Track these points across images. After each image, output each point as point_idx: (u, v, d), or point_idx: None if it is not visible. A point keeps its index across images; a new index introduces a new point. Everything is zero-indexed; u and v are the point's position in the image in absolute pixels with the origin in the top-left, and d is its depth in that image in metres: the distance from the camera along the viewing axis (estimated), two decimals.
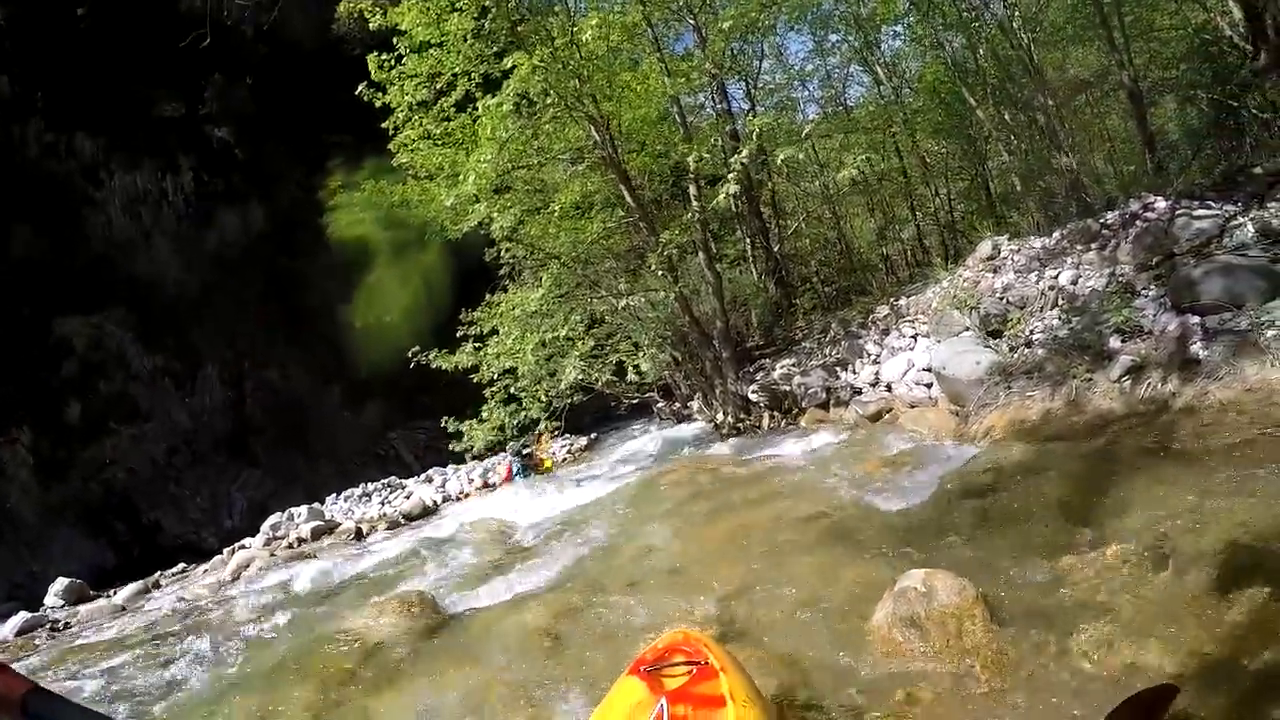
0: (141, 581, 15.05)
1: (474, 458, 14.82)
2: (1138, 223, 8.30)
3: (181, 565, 16.77)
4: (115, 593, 14.92)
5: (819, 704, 3.59)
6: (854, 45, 19.56)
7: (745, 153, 10.93)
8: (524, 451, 14.95)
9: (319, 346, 23.28)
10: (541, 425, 13.28)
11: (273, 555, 13.59)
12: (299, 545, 14.55)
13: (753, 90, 19.52)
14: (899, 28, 19.26)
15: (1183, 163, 12.75)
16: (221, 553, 16.21)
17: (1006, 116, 15.62)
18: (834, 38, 19.55)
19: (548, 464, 15.55)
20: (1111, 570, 4.01)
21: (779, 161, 13.23)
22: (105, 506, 19.55)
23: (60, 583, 15.58)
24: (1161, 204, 8.33)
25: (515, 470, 15.08)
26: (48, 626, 12.50)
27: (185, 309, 21.75)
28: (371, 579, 9.12)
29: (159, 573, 16.27)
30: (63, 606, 14.83)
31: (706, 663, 3.02)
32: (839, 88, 21.77)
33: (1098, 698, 3.08)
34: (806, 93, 21.41)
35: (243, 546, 15.90)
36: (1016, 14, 14.25)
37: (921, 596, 3.81)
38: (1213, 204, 7.83)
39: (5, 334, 18.37)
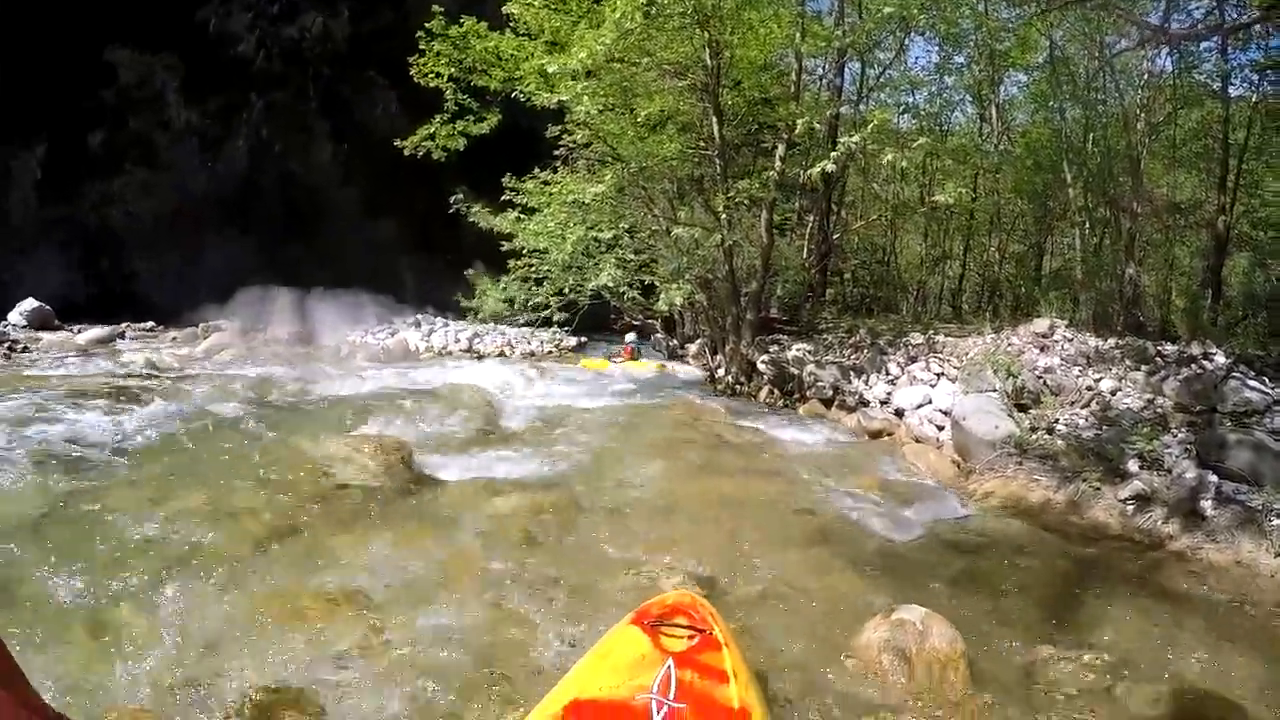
0: (109, 328, 15.07)
1: (479, 320, 14.84)
2: (1193, 366, 8.43)
3: (151, 324, 16.75)
4: (80, 330, 14.89)
5: (790, 699, 3.70)
6: (975, 74, 19.32)
7: (859, 137, 10.88)
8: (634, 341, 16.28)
9: (355, 150, 22.80)
10: (631, 336, 13.65)
11: (248, 348, 13.58)
12: (274, 345, 14.55)
13: (866, 77, 19.23)
14: (1023, 76, 19.14)
15: (1231, 319, 12.79)
16: (197, 326, 16.19)
17: (1091, 205, 15.61)
18: (959, 59, 19.32)
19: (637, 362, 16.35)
20: (1082, 676, 4.17)
21: (884, 159, 13.07)
22: (94, 241, 19.32)
23: (28, 303, 15.50)
24: (1221, 359, 8.44)
25: (634, 348, 16.20)
26: (5, 344, 12.44)
27: (236, 76, 21.23)
28: (349, 407, 9.16)
29: (127, 324, 16.24)
30: (25, 328, 14.78)
31: (711, 632, 2.98)
32: (944, 109, 21.53)
33: None
34: (912, 99, 21.16)
35: (219, 328, 15.85)
36: (1142, 115, 14.09)
37: (917, 633, 3.95)
38: (1268, 381, 7.94)
39: (55, 50, 17.86)
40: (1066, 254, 18.76)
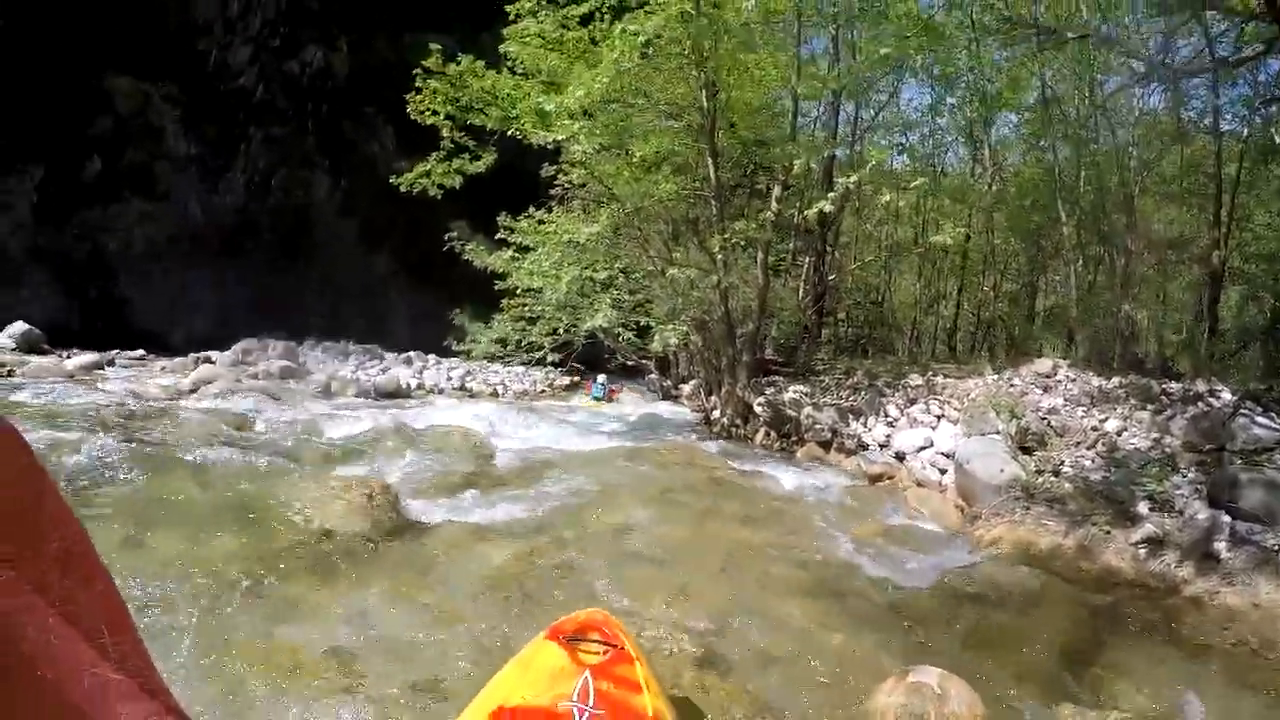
0: (98, 355, 14.91)
1: (468, 357, 14.71)
2: (1199, 404, 8.29)
3: (142, 352, 16.60)
4: (70, 355, 14.72)
5: None
6: (968, 115, 19.40)
7: (856, 177, 10.84)
8: (603, 382, 16.87)
9: (353, 185, 22.78)
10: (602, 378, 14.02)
11: (238, 381, 13.39)
12: (263, 379, 14.36)
13: (860, 119, 19.30)
14: (1015, 117, 19.24)
15: (1225, 353, 12.67)
16: (186, 356, 16.02)
17: (1085, 243, 15.60)
18: (951, 101, 19.41)
19: (616, 395, 17.04)
20: None
21: (881, 200, 13.03)
22: (88, 268, 19.20)
23: (17, 326, 15.34)
24: (1227, 395, 8.32)
25: (594, 387, 16.84)
26: None
27: (236, 108, 21.27)
28: (335, 447, 8.95)
29: (117, 351, 16.10)
30: (13, 350, 14.60)
31: (623, 647, 3.09)
32: (937, 150, 21.66)
33: None
34: (904, 141, 21.27)
35: (209, 360, 15.70)
36: (1134, 152, 14.09)
37: (936, 698, 3.72)
38: (1276, 417, 7.81)
39: (54, 76, 17.89)
40: (1059, 292, 18.79)
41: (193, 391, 12.28)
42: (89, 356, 14.50)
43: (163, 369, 15.06)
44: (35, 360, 13.66)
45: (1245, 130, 13.74)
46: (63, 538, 0.85)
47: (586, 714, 2.62)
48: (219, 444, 8.12)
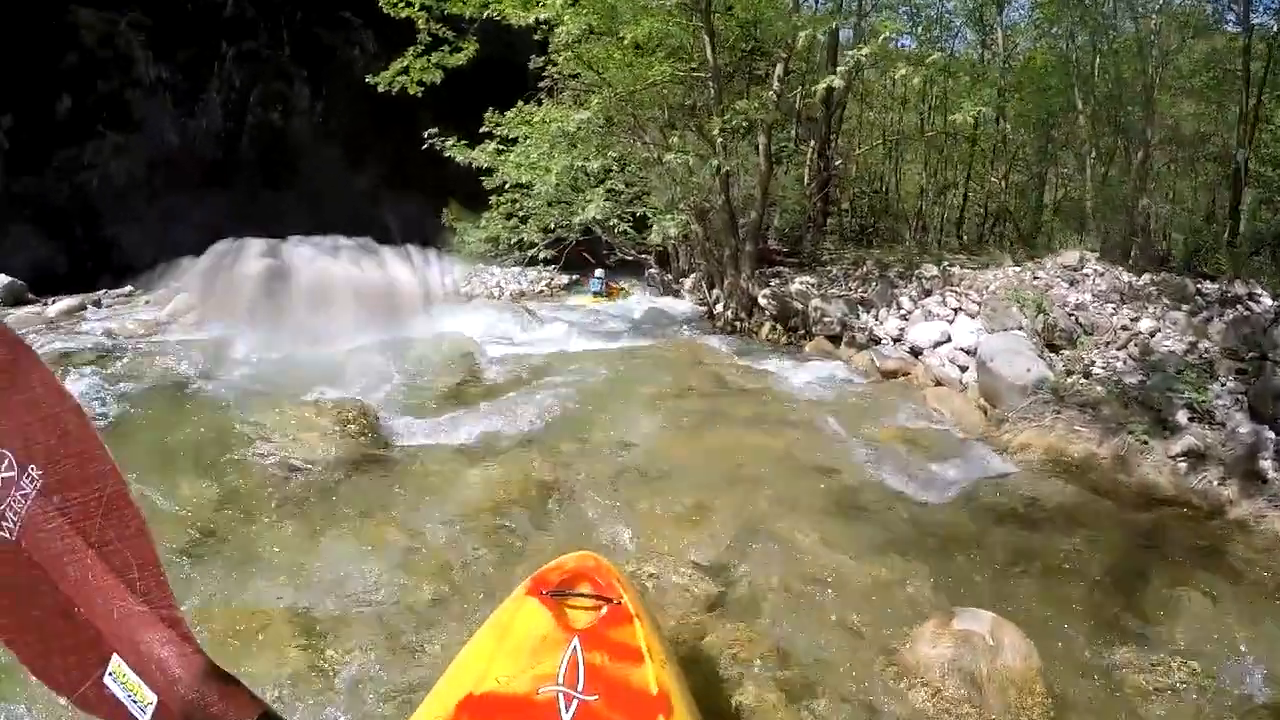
0: (80, 297, 14.47)
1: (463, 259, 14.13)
2: (1238, 307, 7.74)
3: (129, 288, 16.02)
4: (52, 302, 14.21)
5: None
6: None
7: (868, 50, 10.08)
8: (600, 276, 15.87)
9: (333, 94, 21.76)
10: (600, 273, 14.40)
11: (218, 305, 12.70)
12: (242, 299, 13.70)
13: None
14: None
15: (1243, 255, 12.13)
16: (169, 288, 15.43)
17: (1099, 134, 14.95)
18: None
19: (617, 293, 16.13)
20: (1169, 687, 3.51)
21: (896, 74, 12.18)
22: (69, 210, 18.41)
23: None
24: (1268, 300, 7.77)
25: (592, 281, 16.01)
26: None
27: (206, 26, 20.09)
28: (315, 366, 8.19)
29: (103, 292, 15.61)
30: None
31: (619, 602, 2.58)
32: (946, 32, 20.66)
33: None
34: (911, 22, 20.24)
35: (186, 289, 15.05)
36: (1155, 42, 13.28)
37: (987, 649, 3.23)
38: None
39: (14, 16, 16.70)
40: (1072, 184, 18.20)
41: (171, 323, 11.84)
42: (70, 300, 14.05)
43: (146, 303, 14.53)
44: (17, 312, 13.24)
45: (1276, 25, 13.13)
46: (110, 483, 1.21)
47: (575, 702, 2.11)
48: (186, 377, 7.61)
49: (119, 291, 15.84)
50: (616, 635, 2.43)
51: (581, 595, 2.65)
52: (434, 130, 11.88)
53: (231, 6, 20.67)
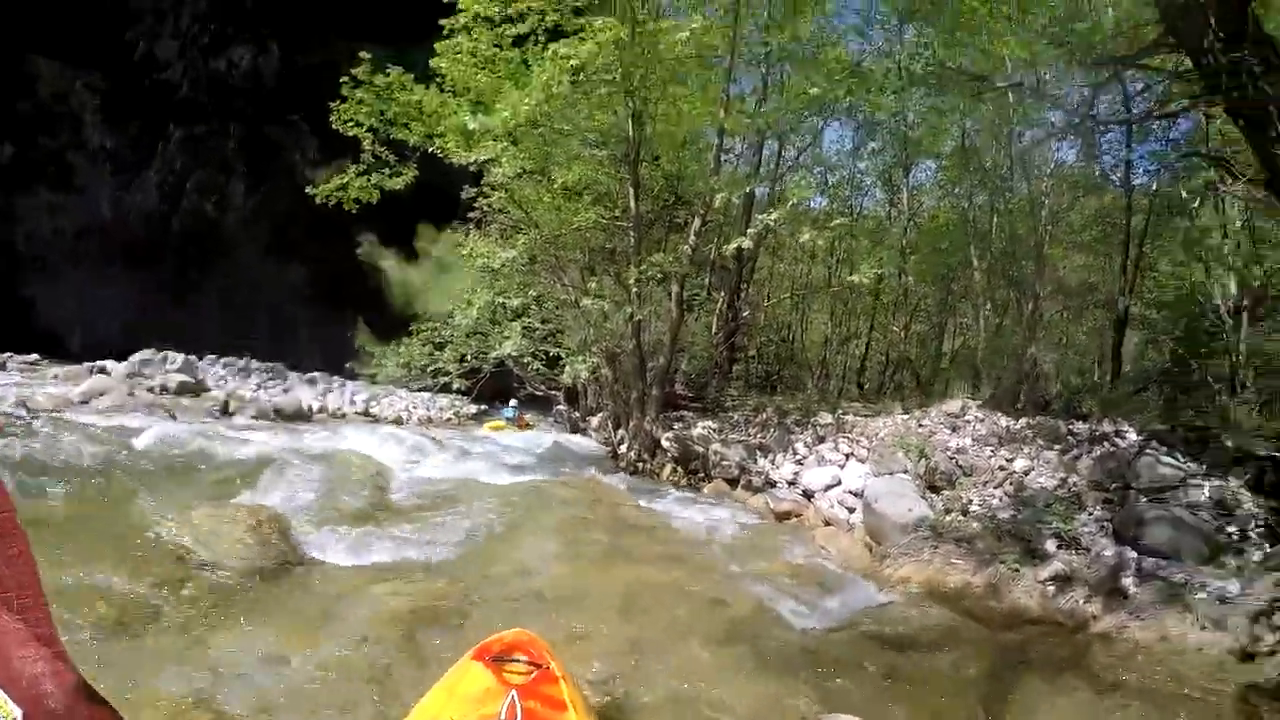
0: None
1: (373, 381, 14.31)
2: (1105, 444, 8.36)
3: (36, 356, 15.81)
4: None
5: None
6: (888, 160, 19.84)
7: (777, 215, 10.82)
8: (514, 405, 16.94)
9: (270, 192, 22.04)
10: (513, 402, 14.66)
11: (130, 394, 12.71)
12: (160, 394, 13.68)
13: (783, 158, 19.45)
14: (932, 163, 19.73)
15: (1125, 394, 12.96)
16: (82, 364, 15.23)
17: (994, 287, 15.94)
18: (873, 144, 19.84)
19: (525, 426, 16.84)
20: None
21: (801, 238, 13.03)
22: None
23: None
24: (1133, 436, 8.41)
25: (506, 409, 16.97)
26: None
27: (158, 103, 20.46)
28: (226, 469, 8.40)
29: (9, 355, 15.34)
30: None
31: (548, 667, 3.15)
32: (856, 192, 22.08)
33: None
34: (825, 182, 21.51)
35: (103, 370, 14.91)
36: (1047, 202, 14.47)
37: None
38: (1179, 457, 7.89)
39: None
40: (968, 333, 19.19)
41: (84, 403, 11.66)
42: None
43: (55, 377, 14.29)
44: None
45: (1154, 184, 14.39)
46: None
47: None
48: (100, 463, 7.52)
49: (25, 358, 15.51)
50: (547, 690, 2.99)
51: (517, 660, 3.18)
52: (365, 244, 12.27)
53: (186, 89, 21.01)
